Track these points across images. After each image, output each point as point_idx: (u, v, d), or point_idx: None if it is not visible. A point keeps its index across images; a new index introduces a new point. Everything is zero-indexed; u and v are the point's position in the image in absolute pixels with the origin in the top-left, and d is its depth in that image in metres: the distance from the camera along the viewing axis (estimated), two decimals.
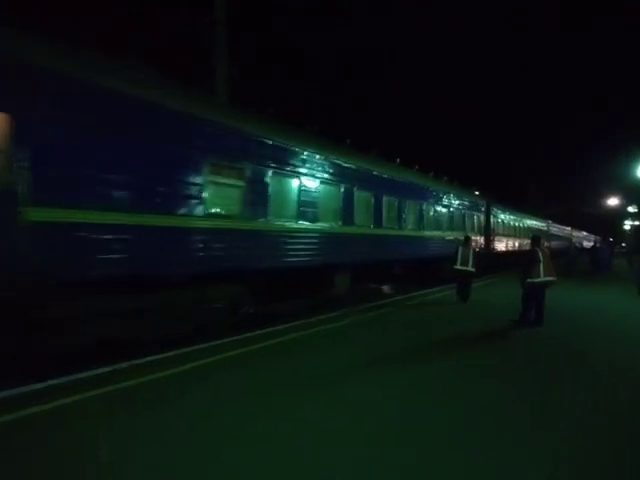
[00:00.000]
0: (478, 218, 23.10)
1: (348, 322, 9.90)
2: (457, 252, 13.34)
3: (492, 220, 24.83)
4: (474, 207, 22.67)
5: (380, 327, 9.66)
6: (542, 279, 9.89)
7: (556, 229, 51.88)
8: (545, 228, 42.23)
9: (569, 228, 64.11)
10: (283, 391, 5.38)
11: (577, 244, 31.23)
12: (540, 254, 9.94)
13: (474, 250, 13.72)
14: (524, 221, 34.59)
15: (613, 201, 63.08)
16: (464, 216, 21.10)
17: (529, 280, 9.95)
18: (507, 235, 28.64)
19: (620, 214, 61.47)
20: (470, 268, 13.08)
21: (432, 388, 5.62)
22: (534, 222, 38.45)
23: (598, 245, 31.98)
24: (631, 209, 43.11)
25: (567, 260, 26.46)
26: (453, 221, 19.71)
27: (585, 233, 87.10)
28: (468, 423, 4.58)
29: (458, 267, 13.15)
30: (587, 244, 69.88)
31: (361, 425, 4.49)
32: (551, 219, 49.68)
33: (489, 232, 24.19)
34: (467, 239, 13.88)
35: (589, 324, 10.25)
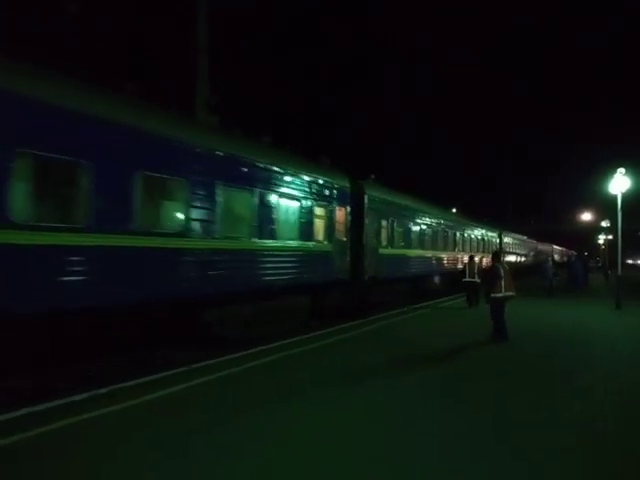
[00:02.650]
0: (328, 214, 12.65)
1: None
2: (465, 268, 16.71)
3: (369, 220, 14.70)
4: (320, 194, 12.32)
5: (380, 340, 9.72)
6: (503, 294, 10.27)
7: (517, 241, 42.28)
8: (496, 239, 33.57)
9: (534, 240, 54.10)
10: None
11: (551, 260, 24.43)
12: (501, 270, 10.35)
13: (479, 265, 16.86)
14: (451, 226, 23.92)
15: (587, 216, 64.84)
16: (284, 209, 10.89)
17: (492, 295, 10.34)
18: (412, 246, 18.24)
19: (594, 229, 63.10)
20: (476, 279, 16.02)
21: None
22: (472, 230, 27.80)
23: (573, 260, 32.68)
24: (604, 224, 44.22)
25: (543, 279, 22.25)
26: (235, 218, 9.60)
27: (557, 247, 77.78)
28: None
29: (466, 279, 16.37)
30: (559, 259, 69.48)
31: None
32: (527, 235, 49.69)
33: (361, 242, 14.19)
34: (471, 258, 17.31)
35: (572, 340, 10.47)
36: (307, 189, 11.81)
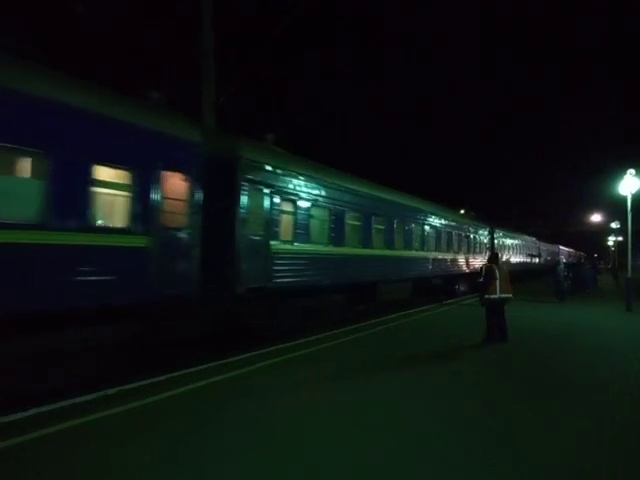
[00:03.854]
0: (138, 184, 7.49)
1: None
2: (482, 269, 16.39)
3: (250, 200, 9.58)
4: (115, 145, 7.20)
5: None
6: (498, 296, 10.19)
7: (515, 241, 35.91)
8: (486, 239, 28.18)
9: (536, 240, 47.06)
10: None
11: (563, 263, 22.70)
12: (497, 271, 10.28)
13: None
14: (416, 218, 17.98)
15: (596, 217, 64.42)
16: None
17: (486, 297, 10.29)
18: (344, 242, 12.88)
19: (604, 230, 62.59)
20: None
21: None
22: (451, 224, 21.80)
23: (582, 262, 32.44)
24: (614, 225, 43.84)
25: (555, 282, 20.98)
26: None
27: (565, 248, 71.22)
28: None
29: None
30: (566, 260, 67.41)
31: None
32: (536, 236, 48.83)
33: (230, 234, 9.26)
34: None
35: (582, 344, 10.34)
36: (73, 131, 6.67)
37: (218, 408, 5.69)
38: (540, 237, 52.18)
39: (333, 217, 12.53)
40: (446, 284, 21.54)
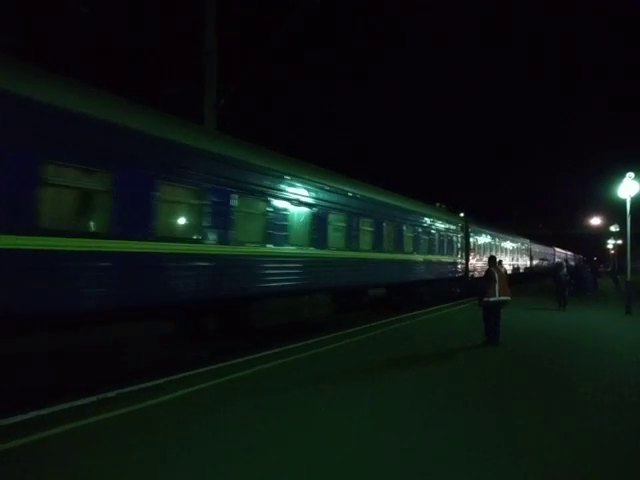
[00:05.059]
0: None
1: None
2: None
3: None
4: None
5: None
6: (497, 298, 10.25)
7: (499, 242, 30.22)
8: (458, 237, 22.24)
9: (527, 240, 41.92)
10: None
11: (565, 267, 20.32)
12: (496, 274, 10.34)
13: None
14: (334, 203, 12.06)
15: (596, 221, 64.44)
16: None
17: (485, 299, 10.34)
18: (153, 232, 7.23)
19: (603, 233, 62.67)
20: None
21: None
22: (393, 214, 15.51)
23: (582, 264, 32.44)
24: (613, 228, 43.89)
25: (557, 286, 19.30)
26: None
27: (560, 250, 66.38)
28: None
29: None
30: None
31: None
32: (530, 238, 47.78)
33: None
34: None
35: (581, 347, 10.33)
36: None
37: None
38: (539, 239, 51.55)
39: (138, 191, 7.08)
40: (393, 295, 16.36)
